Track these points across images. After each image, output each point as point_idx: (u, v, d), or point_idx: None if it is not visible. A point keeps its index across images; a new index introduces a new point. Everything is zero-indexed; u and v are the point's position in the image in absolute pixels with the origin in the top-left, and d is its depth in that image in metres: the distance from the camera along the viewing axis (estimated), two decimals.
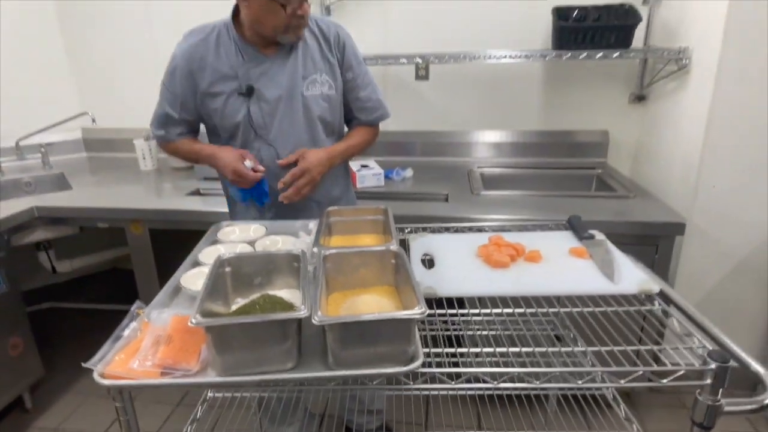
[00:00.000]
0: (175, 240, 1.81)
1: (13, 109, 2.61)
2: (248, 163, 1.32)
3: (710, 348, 0.81)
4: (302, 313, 0.73)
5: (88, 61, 2.77)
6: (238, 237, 1.25)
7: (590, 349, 0.85)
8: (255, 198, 1.41)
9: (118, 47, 2.72)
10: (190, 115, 1.43)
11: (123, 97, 2.79)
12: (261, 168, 1.33)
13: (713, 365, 0.75)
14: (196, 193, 2.20)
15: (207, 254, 1.12)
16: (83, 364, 0.71)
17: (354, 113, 1.49)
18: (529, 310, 0.95)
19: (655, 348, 0.82)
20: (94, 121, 2.45)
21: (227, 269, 0.94)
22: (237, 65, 1.33)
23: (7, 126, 2.56)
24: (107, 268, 3.04)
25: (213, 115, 1.38)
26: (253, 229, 1.29)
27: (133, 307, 0.88)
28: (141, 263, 2.11)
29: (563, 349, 0.85)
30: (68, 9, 2.68)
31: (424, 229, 1.33)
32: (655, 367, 0.76)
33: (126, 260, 2.96)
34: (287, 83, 1.35)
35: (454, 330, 1.19)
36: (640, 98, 2.31)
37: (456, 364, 0.85)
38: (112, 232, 2.48)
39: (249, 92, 1.32)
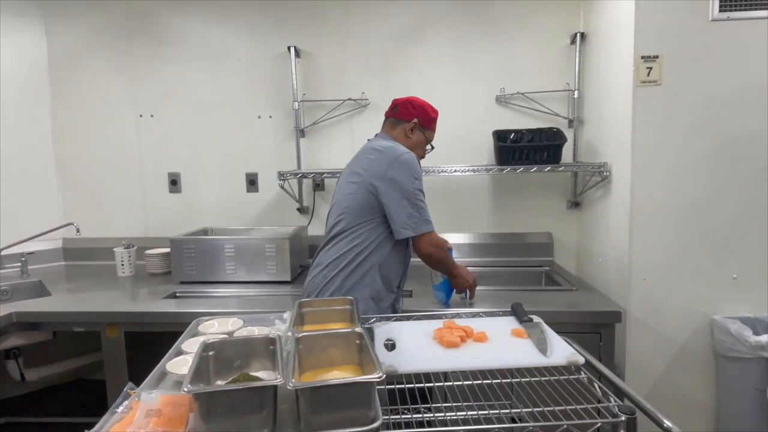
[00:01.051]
0: (148, 348, 1.89)
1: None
2: None
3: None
4: (278, 380, 0.87)
5: (76, 173, 2.97)
6: (218, 329, 1.37)
7: (524, 410, 0.99)
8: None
9: (106, 162, 2.95)
10: None
11: (105, 209, 2.98)
12: None
13: (623, 417, 0.90)
14: (173, 296, 2.31)
15: (189, 344, 1.24)
16: (86, 431, 0.81)
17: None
18: (476, 382, 1.09)
19: (579, 408, 0.97)
20: (78, 231, 2.60)
21: (211, 353, 1.07)
22: None
23: None
24: (72, 378, 2.99)
25: None
26: (231, 322, 1.42)
27: (126, 388, 0.98)
28: (113, 368, 2.13)
29: (503, 411, 0.98)
30: (64, 125, 2.94)
31: (388, 319, 1.48)
32: (576, 421, 0.90)
33: (92, 370, 2.95)
34: None
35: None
36: (575, 204, 2.64)
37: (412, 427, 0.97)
38: (82, 339, 2.49)
39: None
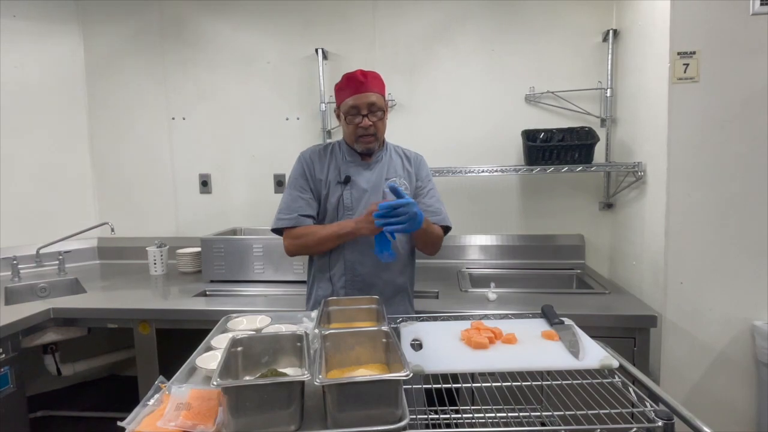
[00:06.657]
0: (178, 345, 1.92)
1: (38, 219, 2.85)
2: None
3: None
4: (305, 376, 0.86)
5: (111, 175, 3.07)
6: (246, 326, 1.38)
7: (556, 413, 0.96)
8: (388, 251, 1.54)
9: (139, 163, 3.03)
10: (312, 198, 1.75)
11: (139, 209, 3.06)
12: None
13: (660, 422, 0.87)
14: (203, 294, 2.35)
15: (219, 340, 1.26)
16: (119, 423, 0.82)
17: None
18: (505, 384, 1.07)
19: (613, 412, 0.93)
20: (113, 230, 2.67)
21: (239, 348, 1.08)
22: (341, 164, 1.77)
23: (30, 234, 2.79)
24: (106, 374, 3.07)
25: (321, 198, 1.76)
26: (259, 319, 1.43)
27: (157, 381, 1.00)
28: (145, 364, 2.17)
29: (533, 414, 0.96)
30: (99, 127, 3.03)
31: (415, 319, 1.47)
32: (610, 425, 0.87)
33: (125, 366, 3.02)
34: (374, 180, 1.76)
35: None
36: (608, 206, 2.57)
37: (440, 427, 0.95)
38: (115, 335, 2.53)
39: (346, 181, 1.74)
